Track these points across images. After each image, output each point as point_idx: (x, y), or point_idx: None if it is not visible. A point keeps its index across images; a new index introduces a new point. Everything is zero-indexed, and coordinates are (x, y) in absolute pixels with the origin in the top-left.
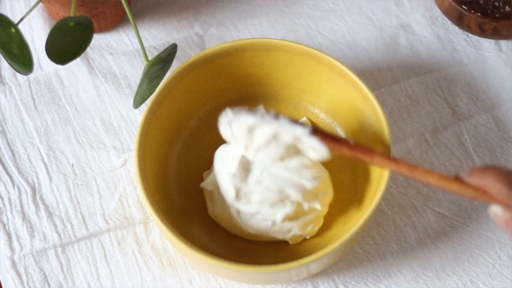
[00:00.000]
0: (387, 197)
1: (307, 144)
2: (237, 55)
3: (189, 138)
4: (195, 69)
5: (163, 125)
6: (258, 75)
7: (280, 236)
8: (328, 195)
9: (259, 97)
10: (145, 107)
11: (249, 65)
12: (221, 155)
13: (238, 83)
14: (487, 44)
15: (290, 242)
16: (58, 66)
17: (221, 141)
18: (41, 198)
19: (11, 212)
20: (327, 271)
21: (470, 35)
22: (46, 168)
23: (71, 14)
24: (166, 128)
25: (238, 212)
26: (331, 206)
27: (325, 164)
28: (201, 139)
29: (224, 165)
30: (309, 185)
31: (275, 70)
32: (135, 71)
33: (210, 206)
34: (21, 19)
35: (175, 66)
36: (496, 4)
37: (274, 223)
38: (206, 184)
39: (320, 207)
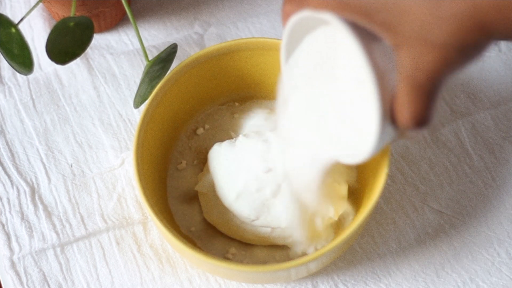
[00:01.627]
0: (385, 195)
1: None
2: (232, 55)
3: (186, 138)
4: (191, 69)
5: (160, 125)
6: (254, 74)
7: (280, 242)
8: (341, 205)
9: (255, 96)
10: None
11: (245, 65)
12: (217, 155)
13: (234, 82)
14: None
15: (289, 246)
16: (58, 66)
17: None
18: (40, 198)
19: (10, 212)
20: (326, 270)
21: None
22: (45, 168)
23: (71, 14)
24: (163, 128)
25: (235, 216)
26: None
27: None
28: (198, 139)
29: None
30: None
31: (271, 69)
32: (135, 71)
33: (205, 209)
34: (21, 19)
35: (175, 66)
36: None
37: (274, 229)
38: (200, 187)
39: (333, 211)
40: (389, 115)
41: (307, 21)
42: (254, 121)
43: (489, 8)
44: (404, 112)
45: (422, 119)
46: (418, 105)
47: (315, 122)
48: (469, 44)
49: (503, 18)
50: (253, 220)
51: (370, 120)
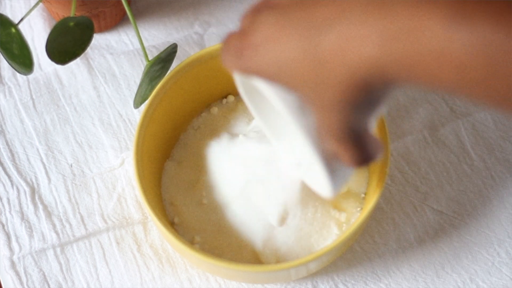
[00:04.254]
0: (385, 195)
1: None
2: None
3: (186, 138)
4: (191, 69)
5: (160, 125)
6: None
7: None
8: (341, 205)
9: None
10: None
11: None
12: (215, 152)
13: (234, 82)
14: None
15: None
16: (58, 66)
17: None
18: (40, 198)
19: (10, 212)
20: (326, 270)
21: None
22: (45, 168)
23: (71, 14)
24: (163, 128)
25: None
26: None
27: None
28: (198, 139)
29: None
30: None
31: None
32: (135, 71)
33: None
34: (21, 19)
35: (175, 66)
36: None
37: (271, 225)
38: (200, 186)
39: (333, 211)
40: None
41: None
42: (254, 121)
43: (365, 70)
44: (343, 159)
45: (362, 160)
46: (349, 152)
47: (288, 156)
48: (361, 100)
49: (381, 77)
50: (250, 221)
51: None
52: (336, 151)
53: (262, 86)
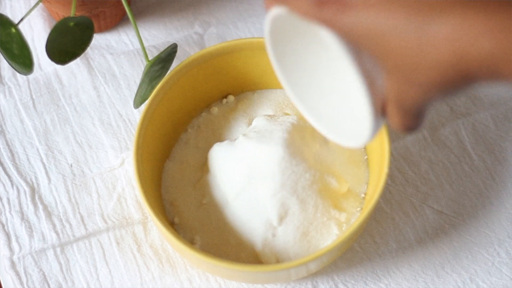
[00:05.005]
0: (386, 195)
1: None
2: (232, 55)
3: (186, 138)
4: (192, 69)
5: (160, 125)
6: (254, 74)
7: None
8: (341, 204)
9: (255, 96)
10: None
11: (245, 65)
12: (217, 155)
13: (234, 82)
14: None
15: None
16: (58, 66)
17: (218, 142)
18: (40, 198)
19: (10, 212)
20: (326, 270)
21: None
22: (45, 168)
23: (71, 14)
24: (163, 128)
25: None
26: None
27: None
28: (199, 139)
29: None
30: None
31: (271, 69)
32: (135, 71)
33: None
34: (21, 19)
35: (175, 66)
36: None
37: (271, 225)
38: (200, 186)
39: (333, 211)
40: (380, 111)
41: (290, 17)
42: (254, 121)
43: (474, 62)
44: (394, 122)
45: (410, 129)
46: (406, 121)
47: (316, 108)
48: (451, 87)
49: (488, 70)
50: (250, 221)
51: (364, 116)
52: (390, 114)
53: (329, 36)
